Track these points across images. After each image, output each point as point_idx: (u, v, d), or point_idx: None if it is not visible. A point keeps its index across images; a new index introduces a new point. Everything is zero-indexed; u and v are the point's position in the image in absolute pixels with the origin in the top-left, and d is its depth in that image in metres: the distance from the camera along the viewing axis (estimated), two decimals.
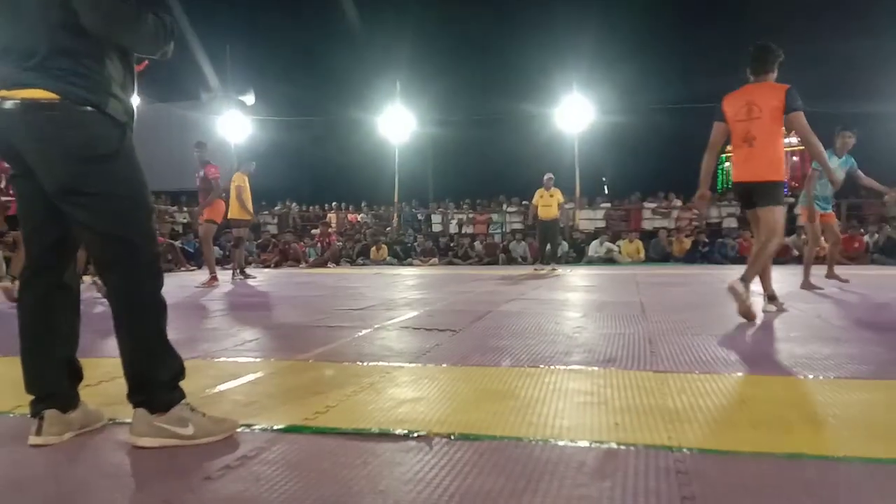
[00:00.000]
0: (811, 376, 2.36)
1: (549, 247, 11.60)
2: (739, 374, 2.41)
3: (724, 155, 22.81)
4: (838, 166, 6.17)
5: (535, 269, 11.15)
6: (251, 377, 2.46)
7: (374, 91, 18.82)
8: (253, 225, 9.82)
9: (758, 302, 4.32)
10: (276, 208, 20.58)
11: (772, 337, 3.29)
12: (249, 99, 19.73)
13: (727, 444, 1.59)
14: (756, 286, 4.21)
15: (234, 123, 19.30)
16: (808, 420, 1.80)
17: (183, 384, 1.74)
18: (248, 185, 9.29)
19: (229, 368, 2.65)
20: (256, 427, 1.78)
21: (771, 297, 4.49)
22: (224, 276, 9.46)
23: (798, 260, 12.98)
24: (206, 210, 8.24)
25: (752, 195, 4.21)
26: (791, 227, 15.01)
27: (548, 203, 11.20)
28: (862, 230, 13.73)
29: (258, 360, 2.84)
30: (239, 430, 1.74)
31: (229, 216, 8.92)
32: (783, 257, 13.58)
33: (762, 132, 4.12)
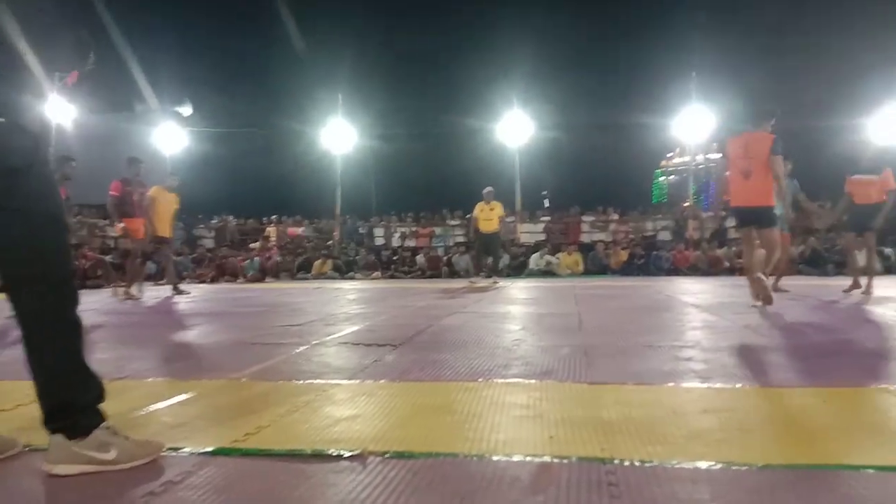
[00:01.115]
0: (739, 385, 2.45)
1: (490, 260, 11.69)
2: (671, 384, 2.47)
3: (657, 170, 23.57)
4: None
5: (471, 283, 11.12)
6: (181, 398, 2.37)
7: (316, 103, 18.67)
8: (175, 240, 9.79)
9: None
10: (213, 222, 20.10)
11: (702, 347, 3.39)
12: (186, 110, 19.09)
13: (659, 455, 1.62)
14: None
15: (169, 135, 18.79)
16: (737, 428, 1.85)
17: (108, 406, 1.66)
18: (167, 200, 9.16)
19: (158, 389, 2.55)
20: (184, 450, 1.71)
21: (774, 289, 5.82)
22: (160, 292, 9.30)
23: (729, 272, 13.52)
24: (142, 227, 8.51)
25: (752, 217, 5.48)
26: (722, 239, 15.65)
27: (488, 217, 11.30)
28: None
29: (189, 379, 2.74)
30: (165, 453, 1.67)
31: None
32: (714, 269, 14.13)
33: (757, 169, 5.34)
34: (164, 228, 9.09)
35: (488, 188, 11.34)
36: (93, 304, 7.13)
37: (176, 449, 1.71)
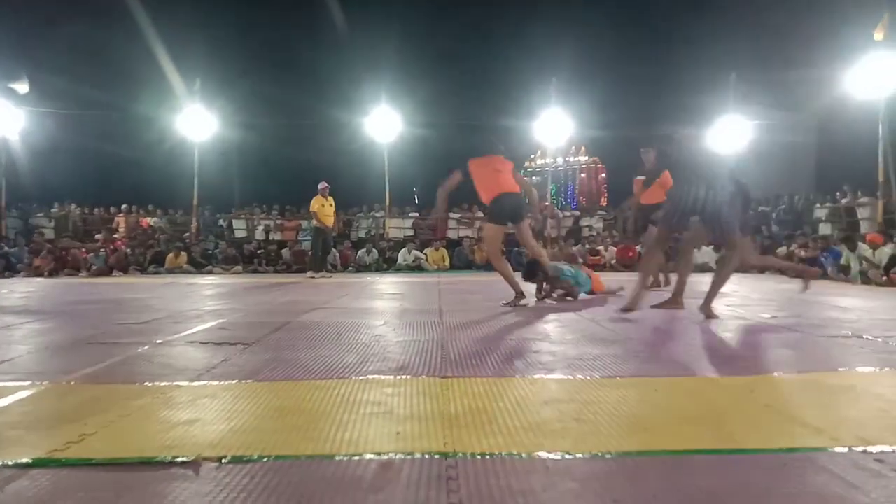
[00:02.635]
0: (580, 376, 2.58)
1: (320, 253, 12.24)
2: (517, 376, 2.57)
3: (521, 171, 24.52)
4: None
5: (321, 276, 11.56)
6: None
7: (171, 87, 17.47)
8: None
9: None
10: (53, 210, 18.37)
11: (550, 340, 3.56)
12: (23, 87, 17.40)
13: (499, 446, 1.67)
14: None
15: (3, 114, 16.89)
16: (574, 418, 1.95)
17: None
18: None
19: None
20: None
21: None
22: None
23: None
24: None
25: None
26: (577, 237, 16.60)
27: (329, 213, 11.84)
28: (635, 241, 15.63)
29: (8, 383, 2.47)
30: None
31: None
32: (569, 265, 14.95)
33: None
34: None
35: (325, 183, 11.62)
36: None
37: None
